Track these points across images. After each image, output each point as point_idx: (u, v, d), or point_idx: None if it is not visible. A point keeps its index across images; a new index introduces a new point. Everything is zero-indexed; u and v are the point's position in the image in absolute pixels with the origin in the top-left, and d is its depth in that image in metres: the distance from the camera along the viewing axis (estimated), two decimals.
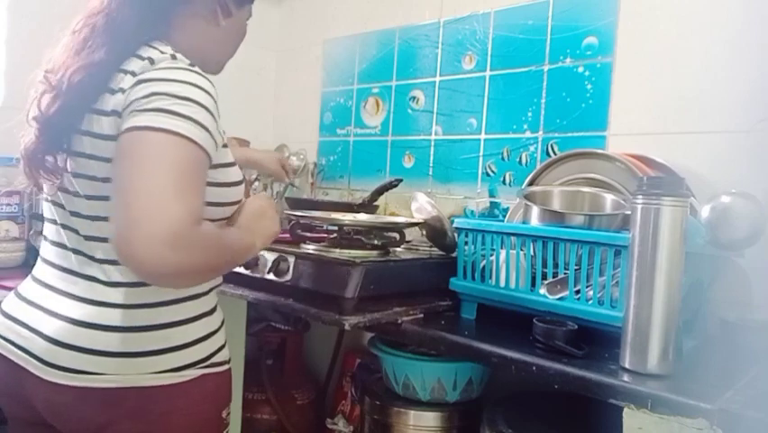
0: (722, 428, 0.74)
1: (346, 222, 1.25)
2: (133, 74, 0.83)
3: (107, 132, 0.83)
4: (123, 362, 0.84)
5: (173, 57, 0.86)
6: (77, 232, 0.89)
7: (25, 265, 1.50)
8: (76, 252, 0.89)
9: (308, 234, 1.30)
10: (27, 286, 0.95)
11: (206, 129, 0.80)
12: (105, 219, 0.85)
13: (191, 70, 0.84)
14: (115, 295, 0.86)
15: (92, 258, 0.88)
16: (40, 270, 0.95)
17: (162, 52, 0.86)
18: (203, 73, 0.85)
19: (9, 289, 1.23)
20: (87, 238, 0.88)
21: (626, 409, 0.81)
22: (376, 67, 1.95)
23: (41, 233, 1.48)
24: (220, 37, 0.99)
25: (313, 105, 2.13)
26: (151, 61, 0.84)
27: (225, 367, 0.95)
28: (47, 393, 0.85)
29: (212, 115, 0.82)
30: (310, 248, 1.22)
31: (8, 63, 1.62)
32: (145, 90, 0.80)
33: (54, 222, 0.93)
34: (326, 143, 2.09)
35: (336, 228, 1.26)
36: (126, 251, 0.73)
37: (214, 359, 0.92)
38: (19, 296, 0.94)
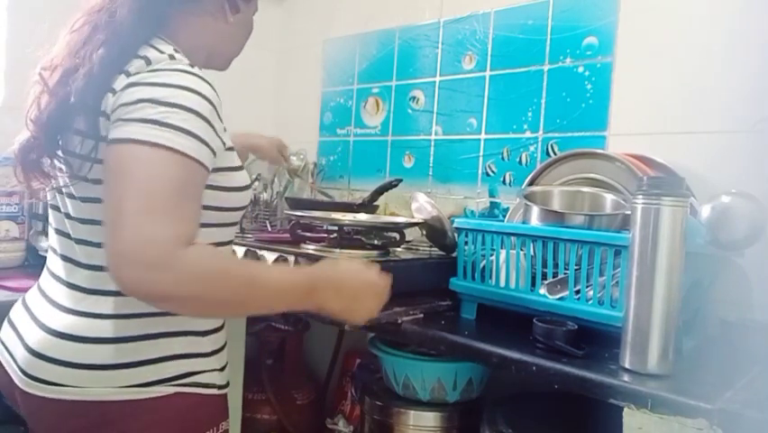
0: (722, 428, 0.74)
1: (346, 222, 1.25)
2: (128, 74, 0.79)
3: (101, 132, 0.80)
4: (83, 374, 0.81)
5: (171, 57, 0.82)
6: (68, 236, 0.87)
7: (25, 265, 1.50)
8: (65, 258, 0.88)
9: (308, 234, 1.30)
10: (31, 290, 0.95)
11: (197, 137, 0.76)
12: (95, 223, 0.82)
13: (186, 72, 0.80)
14: (87, 303, 0.84)
15: (78, 264, 0.86)
16: (42, 274, 0.94)
17: (161, 52, 0.82)
18: (200, 74, 0.81)
19: (9, 289, 1.24)
20: (78, 242, 0.85)
21: (626, 410, 0.81)
22: (376, 67, 1.95)
23: (41, 233, 1.50)
24: (228, 33, 0.97)
25: (313, 106, 2.13)
26: (147, 61, 0.80)
27: (211, 391, 0.89)
28: (24, 401, 0.85)
29: (205, 120, 0.78)
30: (310, 248, 1.22)
31: (8, 63, 1.62)
32: (133, 95, 0.77)
33: (52, 227, 0.92)
34: (326, 143, 2.09)
35: (336, 228, 1.26)
36: (114, 273, 0.73)
37: (195, 379, 0.87)
38: (22, 300, 0.94)
